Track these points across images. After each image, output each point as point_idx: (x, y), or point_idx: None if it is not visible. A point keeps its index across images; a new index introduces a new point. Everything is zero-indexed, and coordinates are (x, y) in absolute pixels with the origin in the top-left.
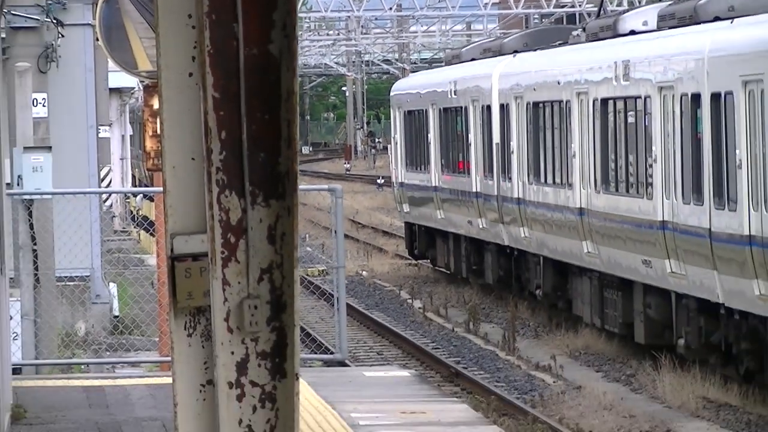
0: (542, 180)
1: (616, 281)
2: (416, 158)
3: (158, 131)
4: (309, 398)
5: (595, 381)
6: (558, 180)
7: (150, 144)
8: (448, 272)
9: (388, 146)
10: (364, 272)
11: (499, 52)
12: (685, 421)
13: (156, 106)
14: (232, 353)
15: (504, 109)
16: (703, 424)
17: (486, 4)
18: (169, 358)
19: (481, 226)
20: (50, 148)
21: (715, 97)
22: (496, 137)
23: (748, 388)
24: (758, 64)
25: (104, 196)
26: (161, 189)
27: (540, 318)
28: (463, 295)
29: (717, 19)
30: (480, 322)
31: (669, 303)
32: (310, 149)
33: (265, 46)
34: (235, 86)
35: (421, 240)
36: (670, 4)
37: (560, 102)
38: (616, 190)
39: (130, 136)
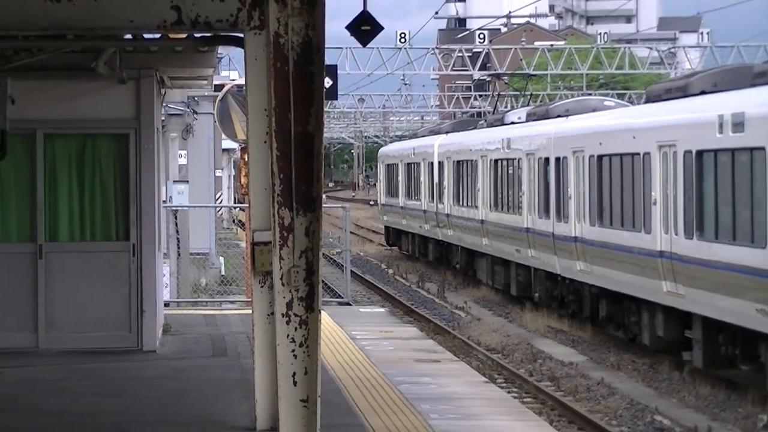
0: (461, 203)
1: (501, 260)
2: (391, 190)
3: (247, 173)
4: (327, 323)
5: (488, 316)
6: (470, 204)
7: (243, 180)
8: (408, 254)
9: (377, 183)
10: (361, 253)
11: (438, 132)
12: (538, 339)
13: (246, 159)
14: (284, 297)
15: (441, 164)
16: (548, 341)
17: (432, 105)
18: (250, 299)
19: (426, 229)
20: (188, 181)
21: (558, 159)
22: (436, 179)
23: (573, 321)
24: (580, 142)
25: (217, 209)
26: (248, 205)
27: (458, 280)
28: (416, 266)
29: (559, 116)
30: (425, 282)
31: (530, 273)
32: (333, 184)
33: (305, 127)
34: (288, 148)
35: (393, 235)
36: (532, 108)
37: (471, 161)
38: (501, 209)
39: (233, 175)
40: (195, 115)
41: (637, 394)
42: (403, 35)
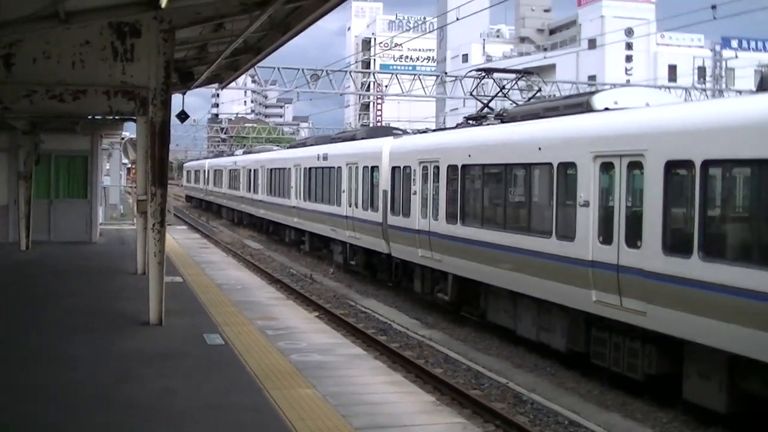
0: (200, 184)
1: (232, 209)
2: (189, 180)
3: (135, 173)
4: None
5: (226, 231)
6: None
7: (132, 175)
8: (196, 206)
9: (183, 178)
10: (176, 204)
11: (206, 158)
12: (245, 239)
13: (134, 167)
14: (151, 222)
15: (209, 171)
16: (249, 240)
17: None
18: (133, 223)
19: (202, 195)
20: (109, 175)
21: (254, 170)
22: (207, 176)
23: (260, 233)
24: (262, 163)
25: (121, 187)
26: (134, 184)
27: (216, 216)
28: (199, 212)
29: (256, 153)
30: (202, 217)
31: (242, 214)
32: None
33: (162, 154)
34: (155, 162)
35: (189, 197)
36: (246, 150)
37: (220, 170)
38: (220, 187)
39: (125, 173)
40: (112, 149)
41: (284, 261)
42: (195, 120)
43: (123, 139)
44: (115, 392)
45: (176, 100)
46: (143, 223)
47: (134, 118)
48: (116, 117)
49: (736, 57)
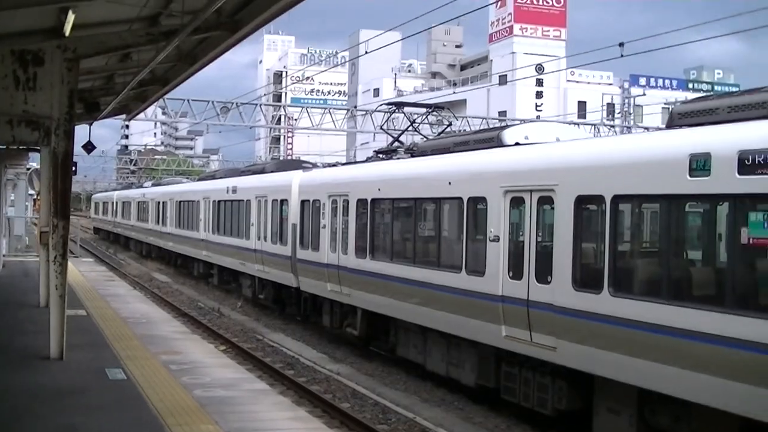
0: (108, 215)
1: (140, 242)
2: (97, 212)
3: (39, 203)
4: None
5: (134, 264)
6: (108, 216)
7: (37, 206)
8: (104, 238)
9: (92, 210)
10: (85, 236)
11: (114, 190)
12: (153, 272)
13: (38, 197)
14: (53, 254)
15: (117, 203)
16: (156, 273)
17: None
18: (37, 255)
19: (111, 227)
20: (14, 206)
21: (162, 203)
22: (115, 209)
23: (168, 265)
24: (171, 195)
25: (30, 216)
26: (39, 216)
27: (122, 248)
28: (106, 244)
29: (166, 185)
30: (109, 249)
31: (150, 246)
32: (83, 210)
33: (64, 185)
34: (57, 194)
35: (97, 230)
36: (154, 181)
37: (129, 202)
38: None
39: (31, 204)
40: (18, 179)
41: (191, 294)
42: (103, 151)
43: (29, 169)
44: (10, 431)
45: (83, 131)
46: (46, 255)
47: (38, 148)
48: (20, 147)
49: (644, 94)
